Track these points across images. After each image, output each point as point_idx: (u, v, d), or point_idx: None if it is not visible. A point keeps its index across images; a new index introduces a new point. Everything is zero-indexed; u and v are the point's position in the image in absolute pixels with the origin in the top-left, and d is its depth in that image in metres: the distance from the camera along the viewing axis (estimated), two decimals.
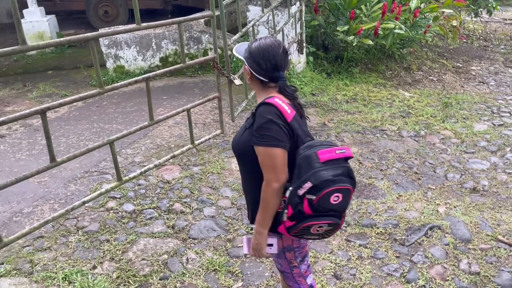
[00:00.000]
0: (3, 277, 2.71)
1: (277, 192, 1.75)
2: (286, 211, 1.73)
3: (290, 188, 1.71)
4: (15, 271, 2.77)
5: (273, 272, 2.83)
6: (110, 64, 6.66)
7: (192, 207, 3.46)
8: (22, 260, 2.87)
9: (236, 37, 4.44)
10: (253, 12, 6.05)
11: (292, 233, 1.78)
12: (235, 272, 2.84)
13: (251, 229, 3.22)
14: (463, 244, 3.08)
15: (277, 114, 1.72)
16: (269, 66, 1.78)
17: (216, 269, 2.85)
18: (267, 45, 1.78)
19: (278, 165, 1.73)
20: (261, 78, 1.80)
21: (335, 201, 1.69)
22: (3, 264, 2.82)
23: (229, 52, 4.15)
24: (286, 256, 1.96)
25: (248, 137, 1.79)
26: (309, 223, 1.71)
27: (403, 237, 3.15)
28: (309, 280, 2.06)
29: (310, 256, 2.96)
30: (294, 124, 1.75)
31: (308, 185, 1.65)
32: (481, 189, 3.80)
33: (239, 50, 1.91)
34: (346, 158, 1.73)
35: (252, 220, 1.93)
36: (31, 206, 3.43)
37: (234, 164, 4.08)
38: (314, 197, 1.66)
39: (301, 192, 1.67)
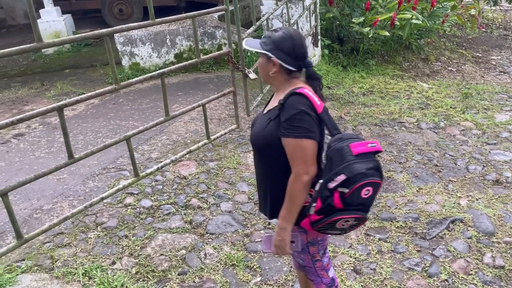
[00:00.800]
0: (24, 273, 2.75)
1: (307, 185, 1.71)
2: (314, 204, 1.69)
3: (320, 181, 1.67)
4: (36, 267, 2.80)
5: (291, 267, 2.80)
6: (125, 62, 6.70)
7: (209, 202, 3.46)
8: (42, 256, 2.91)
9: (250, 31, 4.41)
10: (267, 5, 6.00)
11: (316, 228, 1.73)
12: (253, 267, 2.82)
13: (269, 223, 3.20)
14: (486, 237, 3.00)
15: (308, 105, 1.69)
16: (299, 54, 1.77)
17: (234, 264, 2.84)
18: (294, 33, 1.77)
19: (309, 157, 1.69)
20: (291, 68, 1.77)
21: (366, 194, 1.66)
22: (24, 260, 2.86)
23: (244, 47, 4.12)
24: (310, 250, 1.92)
25: (273, 129, 1.74)
26: (337, 217, 1.67)
27: (424, 230, 3.09)
28: (330, 273, 2.03)
29: (329, 251, 2.93)
30: (323, 116, 1.72)
31: (341, 177, 1.61)
32: (504, 181, 3.69)
33: (253, 44, 1.86)
34: (376, 152, 1.71)
35: (272, 216, 1.89)
36: (51, 203, 3.47)
37: (250, 159, 4.06)
38: (347, 190, 1.62)
39: (332, 185, 1.63)
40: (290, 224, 1.77)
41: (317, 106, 1.70)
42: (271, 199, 1.88)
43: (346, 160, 1.63)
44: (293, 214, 1.75)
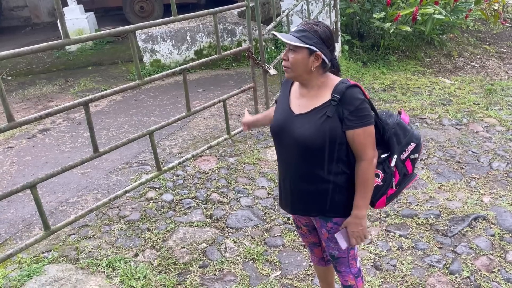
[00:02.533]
0: (51, 264, 2.83)
1: (375, 167, 1.81)
2: (393, 179, 1.84)
3: (395, 156, 1.83)
4: (62, 258, 2.89)
5: (311, 261, 2.81)
6: (146, 59, 6.79)
7: (229, 197, 3.49)
8: (68, 247, 2.99)
9: (270, 27, 4.42)
10: (287, 1, 6.00)
11: (388, 202, 1.89)
12: (273, 261, 2.84)
13: (288, 219, 3.22)
14: (510, 235, 2.95)
15: (363, 94, 1.76)
16: (333, 47, 1.81)
17: (254, 258, 2.86)
18: (329, 27, 1.80)
19: (374, 141, 1.79)
20: (328, 62, 1.79)
21: None
22: (50, 251, 2.95)
23: (264, 43, 4.14)
24: None
25: (334, 125, 1.73)
26: (412, 181, 1.91)
27: (446, 227, 3.06)
28: (358, 263, 2.06)
29: None
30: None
31: (412, 146, 1.83)
32: None
33: (287, 38, 1.75)
34: None
35: (319, 213, 1.88)
36: (76, 196, 3.56)
37: (269, 154, 4.08)
38: (417, 155, 1.86)
39: (404, 156, 1.83)
40: (367, 209, 1.84)
41: (365, 93, 1.78)
42: (324, 194, 1.84)
43: (409, 130, 1.85)
44: (369, 199, 1.83)
